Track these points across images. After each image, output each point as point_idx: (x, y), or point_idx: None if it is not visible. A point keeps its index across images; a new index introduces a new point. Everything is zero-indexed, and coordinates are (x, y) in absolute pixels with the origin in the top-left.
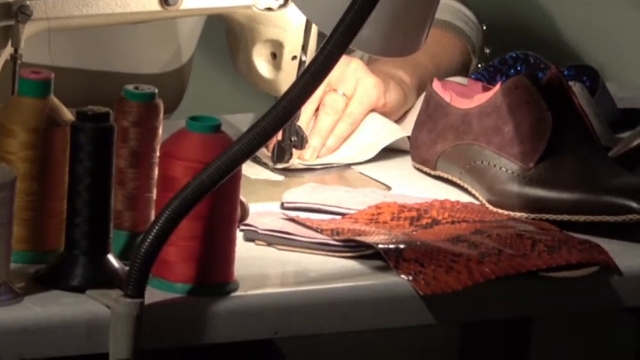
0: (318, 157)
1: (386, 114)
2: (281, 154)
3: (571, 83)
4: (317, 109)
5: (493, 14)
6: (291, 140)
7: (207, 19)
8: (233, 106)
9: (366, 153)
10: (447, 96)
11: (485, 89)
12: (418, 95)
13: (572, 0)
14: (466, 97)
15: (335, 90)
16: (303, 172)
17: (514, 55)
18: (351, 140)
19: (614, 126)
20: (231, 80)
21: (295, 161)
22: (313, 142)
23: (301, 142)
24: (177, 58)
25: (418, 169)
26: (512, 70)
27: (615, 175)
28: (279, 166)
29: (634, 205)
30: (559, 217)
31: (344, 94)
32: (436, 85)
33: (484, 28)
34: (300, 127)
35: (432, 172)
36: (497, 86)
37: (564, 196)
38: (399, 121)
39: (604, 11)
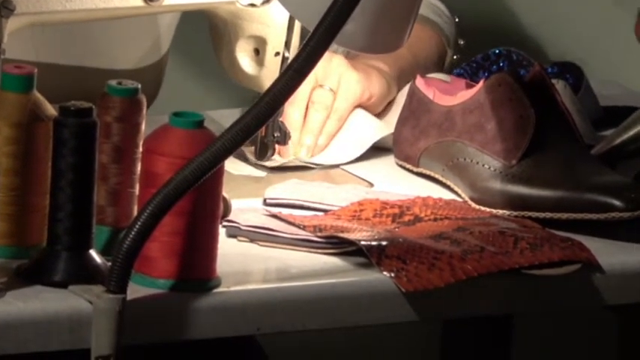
0: (312, 155)
1: (371, 106)
2: (264, 150)
3: (554, 81)
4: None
5: (471, 9)
6: (274, 136)
7: (184, 14)
8: (215, 101)
9: (352, 152)
10: (430, 93)
11: (469, 86)
12: (399, 86)
13: None
14: (449, 93)
15: (322, 86)
16: (289, 169)
17: (497, 51)
18: (337, 139)
19: (598, 124)
20: (211, 76)
21: (290, 157)
22: (306, 140)
23: (284, 138)
24: (153, 53)
25: (401, 166)
26: (494, 67)
27: (598, 172)
28: (270, 164)
29: (616, 202)
30: (541, 215)
31: (331, 89)
32: (419, 81)
33: (457, 20)
34: (282, 122)
35: (415, 169)
36: (481, 83)
37: (546, 193)
38: (381, 115)
39: (584, 7)
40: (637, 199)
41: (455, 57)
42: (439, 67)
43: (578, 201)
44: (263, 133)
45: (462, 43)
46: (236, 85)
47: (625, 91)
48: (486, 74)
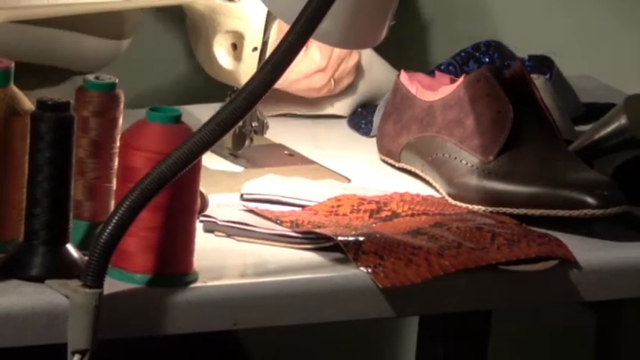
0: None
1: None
2: (241, 139)
3: (535, 76)
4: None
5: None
6: (251, 126)
7: (159, 9)
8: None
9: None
10: (412, 88)
11: (452, 81)
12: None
13: None
14: (432, 89)
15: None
16: (265, 163)
17: (487, 42)
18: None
19: (578, 120)
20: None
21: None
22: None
23: (262, 128)
24: (118, 49)
25: (384, 161)
26: (486, 58)
27: (573, 169)
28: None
29: (589, 200)
30: (516, 211)
31: None
32: (403, 76)
33: None
34: (260, 112)
35: (397, 164)
36: (461, 79)
37: (521, 189)
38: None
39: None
40: (609, 197)
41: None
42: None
43: (552, 197)
44: (241, 123)
45: (392, 23)
46: (213, 79)
47: (599, 84)
48: (477, 65)
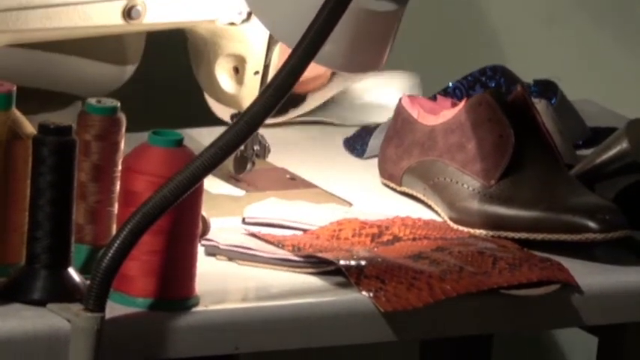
0: None
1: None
2: (243, 163)
3: (536, 100)
4: None
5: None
6: (253, 149)
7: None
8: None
9: None
10: (414, 112)
11: (454, 105)
12: None
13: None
14: (433, 113)
15: None
16: (267, 186)
17: (493, 66)
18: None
19: (587, 144)
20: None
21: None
22: None
23: (264, 152)
24: (121, 75)
25: (385, 185)
26: (492, 82)
27: (574, 193)
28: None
29: (590, 224)
30: (517, 235)
31: None
32: (405, 100)
33: None
34: (262, 136)
35: (398, 188)
36: (463, 103)
37: (523, 213)
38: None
39: (560, 28)
40: (611, 221)
41: None
42: None
43: (554, 222)
44: (242, 147)
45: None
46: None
47: (600, 109)
48: (482, 90)
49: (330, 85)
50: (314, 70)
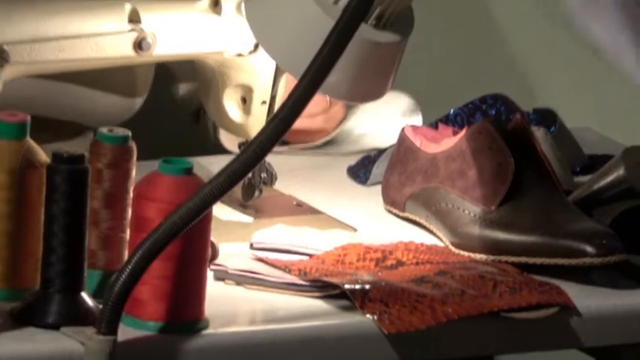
0: None
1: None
2: (251, 190)
3: (535, 128)
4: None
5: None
6: (260, 177)
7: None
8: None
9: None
10: (417, 140)
11: (455, 133)
12: None
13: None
14: (435, 141)
15: None
16: (275, 213)
17: (493, 95)
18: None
19: (584, 171)
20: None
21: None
22: None
23: (271, 179)
24: (131, 106)
25: (388, 211)
26: (493, 110)
27: (572, 219)
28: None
29: (588, 249)
30: (517, 259)
31: None
32: (407, 130)
33: None
34: (269, 164)
35: (401, 214)
36: (464, 131)
37: (522, 238)
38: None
39: (557, 56)
40: (608, 246)
41: None
42: None
43: (552, 247)
44: (250, 174)
45: None
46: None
47: (598, 137)
48: (482, 117)
49: (333, 134)
50: (317, 123)
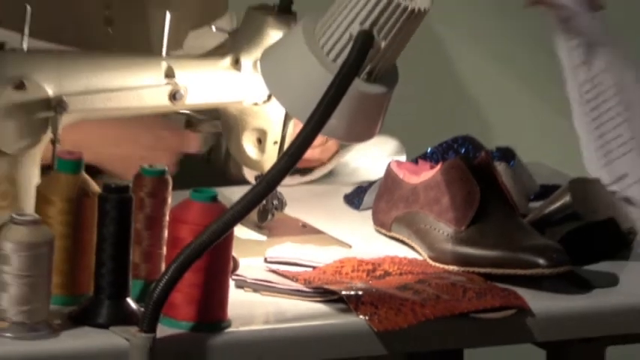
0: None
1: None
2: (265, 214)
3: (497, 163)
4: None
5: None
6: (273, 204)
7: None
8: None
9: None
10: (400, 173)
11: (432, 167)
12: None
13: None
14: (416, 174)
15: None
16: (284, 233)
17: (463, 136)
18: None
19: (537, 198)
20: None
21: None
22: None
23: (281, 205)
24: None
25: (378, 231)
26: (462, 149)
27: (528, 237)
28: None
29: (541, 261)
30: (482, 270)
31: None
32: (393, 164)
33: None
34: (280, 192)
35: (388, 234)
36: (439, 166)
37: (487, 253)
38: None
39: (514, 102)
40: (557, 259)
41: None
42: None
43: (511, 260)
44: (264, 202)
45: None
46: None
47: (549, 170)
48: (454, 155)
49: (329, 164)
50: (315, 154)
